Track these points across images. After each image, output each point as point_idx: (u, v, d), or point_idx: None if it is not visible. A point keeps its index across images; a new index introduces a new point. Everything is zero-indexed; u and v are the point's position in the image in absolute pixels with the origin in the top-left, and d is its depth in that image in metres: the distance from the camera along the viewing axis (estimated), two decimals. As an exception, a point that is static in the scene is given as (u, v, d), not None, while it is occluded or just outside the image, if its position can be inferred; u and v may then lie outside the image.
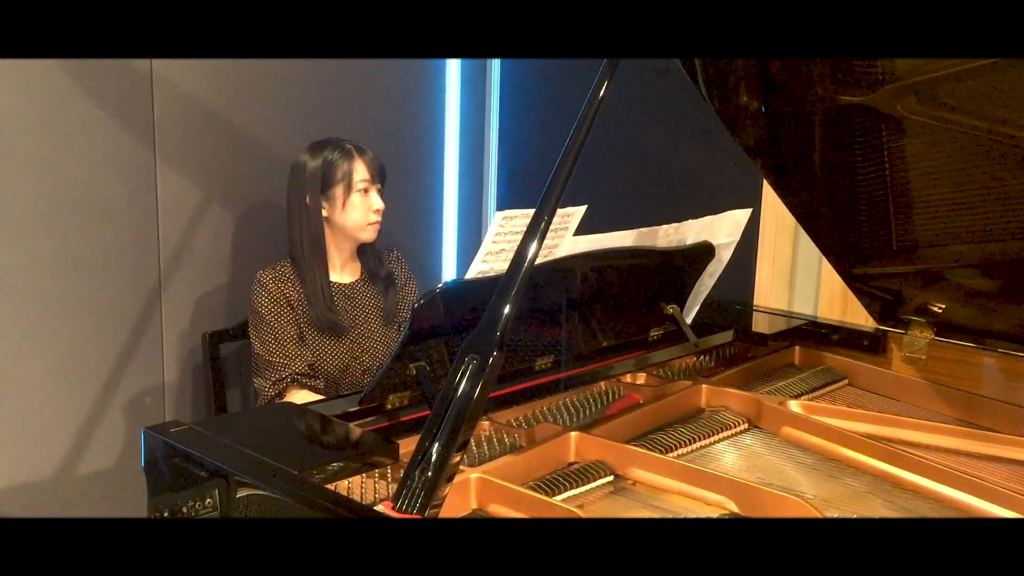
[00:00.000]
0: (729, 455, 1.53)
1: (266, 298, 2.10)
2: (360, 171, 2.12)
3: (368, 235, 2.16)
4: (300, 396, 2.07)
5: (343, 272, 2.22)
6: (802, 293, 2.60)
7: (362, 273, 2.25)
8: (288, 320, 2.11)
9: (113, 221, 2.23)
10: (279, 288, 2.11)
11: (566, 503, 1.28)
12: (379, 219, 2.15)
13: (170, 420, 1.78)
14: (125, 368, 2.30)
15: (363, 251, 2.25)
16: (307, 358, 2.11)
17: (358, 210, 2.12)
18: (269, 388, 2.08)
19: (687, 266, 1.88)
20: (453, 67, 3.04)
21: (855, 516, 1.32)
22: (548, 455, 1.43)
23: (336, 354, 2.16)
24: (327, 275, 2.16)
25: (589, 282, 1.73)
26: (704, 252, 1.87)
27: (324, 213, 2.14)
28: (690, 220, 1.79)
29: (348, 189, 2.11)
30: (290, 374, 2.07)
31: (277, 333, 2.09)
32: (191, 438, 1.26)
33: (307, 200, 2.13)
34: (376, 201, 2.14)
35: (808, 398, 1.75)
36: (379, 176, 2.15)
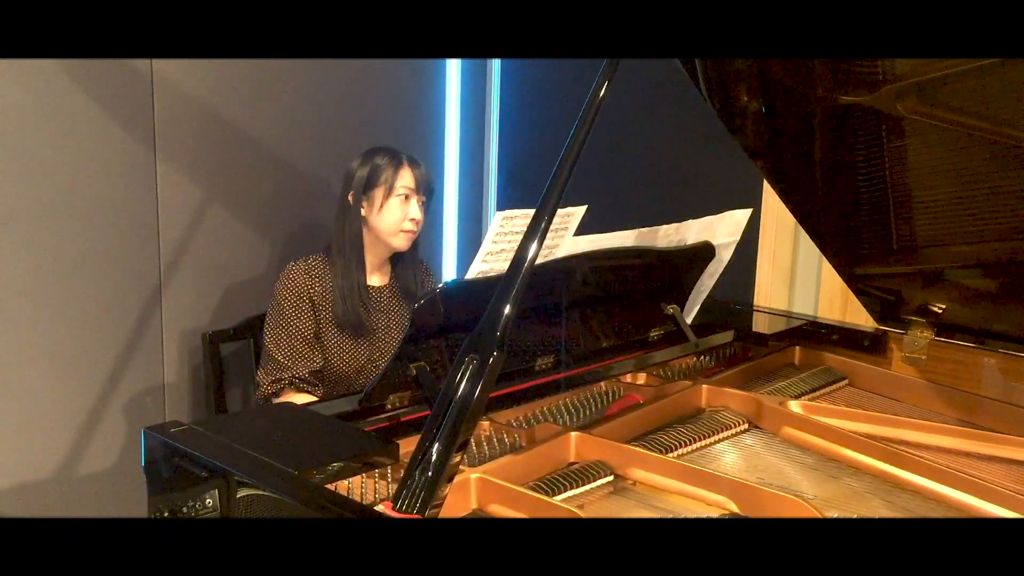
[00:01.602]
0: (729, 455, 1.53)
1: (291, 292, 2.11)
2: (404, 178, 2.13)
3: (399, 242, 2.16)
4: (296, 399, 2.06)
5: (373, 275, 2.22)
6: (802, 293, 2.60)
7: (391, 279, 2.25)
8: (307, 319, 2.11)
9: (113, 221, 2.23)
10: (305, 283, 2.12)
11: (566, 503, 1.28)
12: (414, 228, 2.16)
13: (170, 420, 1.78)
14: (125, 368, 2.30)
15: (397, 261, 2.25)
16: (313, 364, 2.10)
17: (394, 215, 2.13)
18: (267, 385, 2.08)
19: (687, 266, 1.88)
20: (453, 67, 3.04)
21: (855, 516, 1.32)
22: (548, 455, 1.43)
23: (353, 354, 2.16)
24: (363, 274, 2.17)
25: (589, 282, 1.73)
26: (704, 252, 1.86)
27: (363, 213, 2.15)
28: (690, 220, 1.79)
29: (388, 192, 2.12)
30: (291, 377, 2.07)
31: (291, 331, 2.09)
32: (191, 438, 1.26)
33: (350, 198, 2.15)
34: (414, 210, 2.14)
35: (808, 398, 1.75)
36: (423, 189, 2.16)
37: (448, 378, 1.13)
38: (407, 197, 2.13)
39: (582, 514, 1.24)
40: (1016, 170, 1.48)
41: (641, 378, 1.81)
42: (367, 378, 2.18)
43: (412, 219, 2.14)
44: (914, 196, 1.64)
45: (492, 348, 1.13)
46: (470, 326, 1.16)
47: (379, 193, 2.12)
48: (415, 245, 2.24)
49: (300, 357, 2.09)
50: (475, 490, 1.29)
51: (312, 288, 2.13)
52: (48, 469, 2.21)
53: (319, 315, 2.13)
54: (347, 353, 2.15)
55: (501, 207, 3.10)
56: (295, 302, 2.11)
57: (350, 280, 2.13)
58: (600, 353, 1.80)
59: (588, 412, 1.66)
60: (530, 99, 3.13)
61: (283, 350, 2.09)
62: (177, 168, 2.33)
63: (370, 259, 2.20)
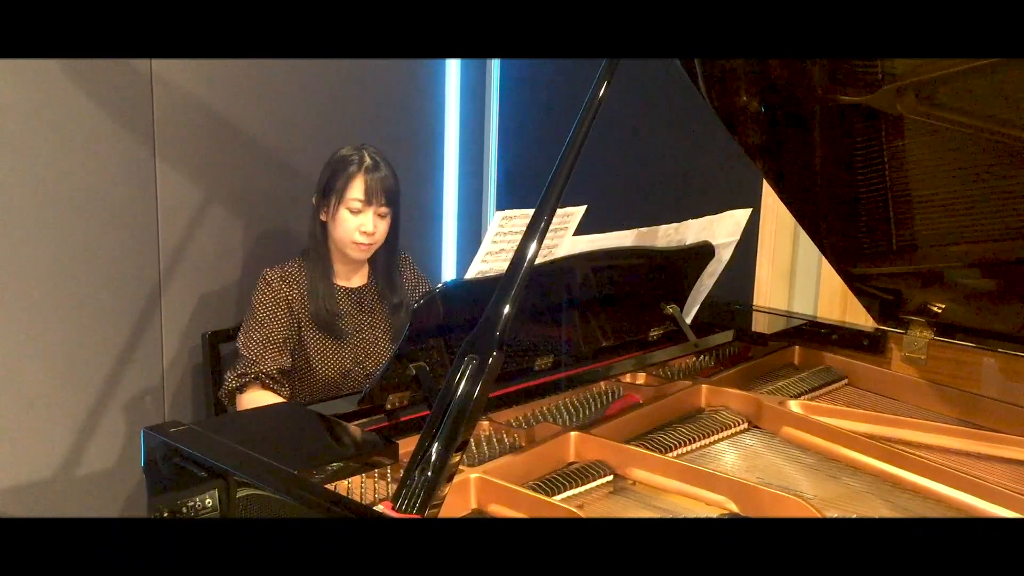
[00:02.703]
0: (729, 455, 1.53)
1: (267, 296, 2.09)
2: (356, 189, 2.04)
3: (354, 253, 2.09)
4: (259, 395, 2.03)
5: (351, 276, 2.19)
6: (802, 293, 2.60)
7: (370, 279, 2.22)
8: (281, 323, 2.08)
9: (113, 221, 2.23)
10: (281, 288, 2.09)
11: (566, 503, 1.28)
12: (368, 241, 2.07)
13: (170, 420, 1.78)
14: (125, 368, 2.30)
15: (374, 260, 2.19)
16: (282, 363, 2.07)
17: (345, 226, 2.06)
18: (232, 380, 2.04)
19: (687, 266, 1.88)
20: (453, 67, 3.04)
21: (855, 516, 1.32)
22: (548, 455, 1.43)
23: (337, 357, 2.14)
24: (327, 276, 2.13)
25: (589, 282, 1.73)
26: (704, 252, 1.87)
27: (323, 218, 2.11)
28: (690, 220, 1.80)
29: (339, 202, 2.05)
30: (256, 372, 2.03)
31: (263, 332, 2.06)
32: (191, 438, 1.26)
33: (313, 200, 2.12)
34: (367, 223, 2.05)
35: (808, 398, 1.75)
36: (381, 199, 2.05)
37: (448, 378, 1.13)
38: (359, 210, 2.05)
39: (582, 514, 1.24)
40: (1016, 170, 1.48)
41: (641, 378, 1.81)
42: (354, 382, 2.14)
43: (363, 232, 2.06)
44: (913, 196, 1.64)
45: (491, 348, 1.13)
46: (470, 326, 1.16)
47: (333, 201, 2.06)
48: (394, 244, 2.17)
49: (268, 355, 2.05)
50: (475, 490, 1.29)
51: (290, 293, 2.09)
52: (48, 469, 2.21)
53: (299, 320, 2.10)
54: (330, 358, 2.13)
55: (501, 207, 3.10)
56: (270, 307, 2.08)
57: (318, 283, 2.10)
58: (600, 353, 1.81)
59: (588, 412, 1.66)
60: (530, 99, 3.13)
61: (251, 349, 2.05)
62: (177, 168, 2.33)
63: (342, 260, 2.15)
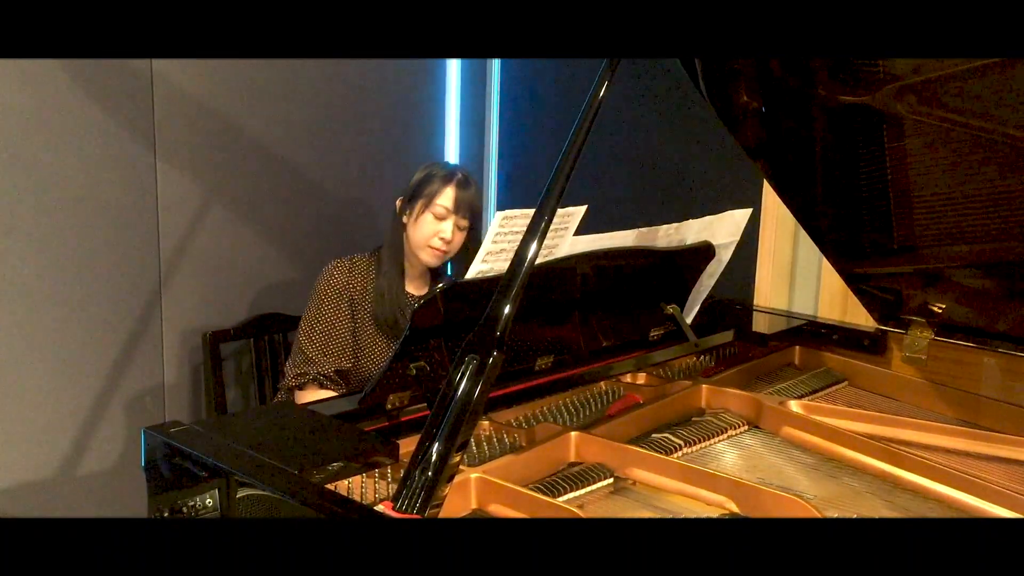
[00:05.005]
0: (729, 455, 1.53)
1: (331, 289, 2.11)
2: (445, 197, 2.09)
3: (426, 257, 2.13)
4: (318, 395, 2.06)
5: (414, 283, 2.21)
6: (802, 293, 2.60)
7: (429, 291, 2.24)
8: (344, 317, 2.11)
9: (113, 221, 2.23)
10: (347, 281, 2.12)
11: (566, 503, 1.28)
12: (443, 248, 2.11)
13: (170, 420, 1.78)
14: (125, 368, 2.31)
15: (437, 274, 2.24)
16: (342, 363, 2.11)
17: (425, 229, 2.10)
18: (291, 378, 2.10)
19: (687, 266, 1.88)
20: (453, 67, 3.04)
21: (855, 516, 1.32)
22: (548, 455, 1.43)
23: (383, 358, 2.15)
24: (401, 278, 2.16)
25: (589, 282, 1.73)
26: (704, 252, 1.87)
27: (404, 220, 2.15)
28: (690, 220, 1.80)
29: (426, 206, 2.10)
30: (316, 373, 2.09)
31: (326, 327, 2.10)
32: (191, 438, 1.26)
33: (398, 202, 2.16)
34: (446, 231, 2.10)
35: (808, 398, 1.75)
36: (464, 211, 2.11)
37: (448, 378, 1.13)
38: (443, 217, 2.10)
39: (582, 514, 1.24)
40: (1016, 170, 1.48)
41: (641, 378, 1.81)
42: None
43: (442, 238, 2.10)
44: (914, 196, 1.64)
45: (492, 348, 1.13)
46: (470, 326, 1.16)
47: (420, 205, 2.11)
48: (462, 264, 2.19)
49: (329, 355, 2.10)
50: (475, 490, 1.29)
51: (352, 287, 2.13)
52: (48, 469, 2.21)
53: (357, 314, 2.13)
54: (378, 356, 2.15)
55: (501, 207, 3.10)
56: (335, 299, 2.11)
57: (390, 282, 2.13)
58: (600, 353, 1.81)
59: (588, 412, 1.66)
60: (530, 99, 3.13)
61: (315, 345, 2.10)
62: (177, 168, 2.33)
63: (413, 266, 2.19)
